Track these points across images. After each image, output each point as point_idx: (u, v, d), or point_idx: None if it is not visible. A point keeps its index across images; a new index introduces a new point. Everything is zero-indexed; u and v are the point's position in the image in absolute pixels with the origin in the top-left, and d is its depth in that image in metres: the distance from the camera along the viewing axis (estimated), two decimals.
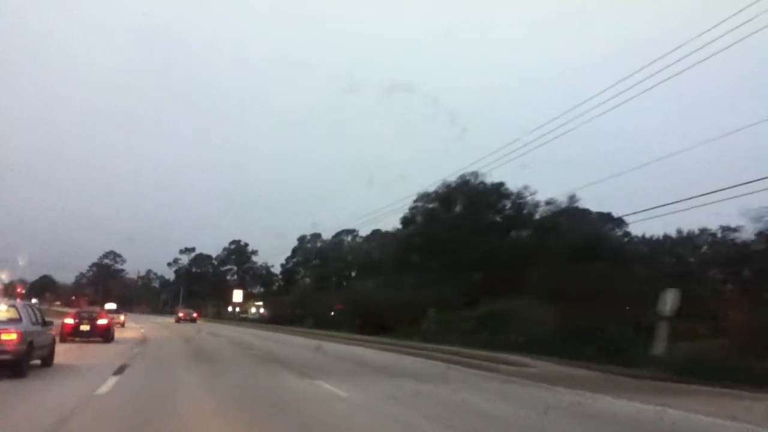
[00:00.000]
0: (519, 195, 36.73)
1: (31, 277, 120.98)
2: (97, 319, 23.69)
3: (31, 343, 11.46)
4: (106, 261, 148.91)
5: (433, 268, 34.48)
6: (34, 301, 56.71)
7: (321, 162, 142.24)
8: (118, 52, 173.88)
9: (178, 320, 62.02)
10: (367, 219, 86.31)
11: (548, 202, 36.58)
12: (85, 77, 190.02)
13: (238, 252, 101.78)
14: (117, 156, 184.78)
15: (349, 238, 79.88)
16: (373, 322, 39.69)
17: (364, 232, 71.52)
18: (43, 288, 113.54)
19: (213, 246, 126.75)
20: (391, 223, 51.25)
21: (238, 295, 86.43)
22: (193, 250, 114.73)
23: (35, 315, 12.94)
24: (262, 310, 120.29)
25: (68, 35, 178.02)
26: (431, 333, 29.72)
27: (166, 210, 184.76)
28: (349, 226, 74.41)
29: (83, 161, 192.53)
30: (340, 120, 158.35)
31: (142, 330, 36.07)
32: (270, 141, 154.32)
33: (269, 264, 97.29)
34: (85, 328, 23.07)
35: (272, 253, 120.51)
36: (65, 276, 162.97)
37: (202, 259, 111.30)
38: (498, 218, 37.18)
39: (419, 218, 40.63)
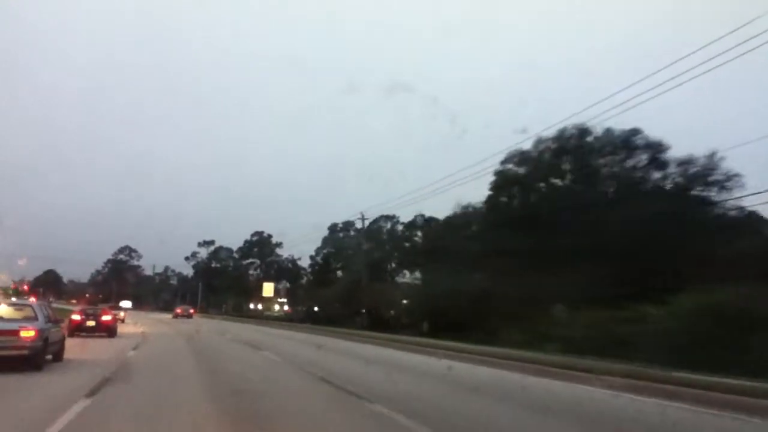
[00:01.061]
0: (658, 148, 27.04)
1: (36, 272, 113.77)
2: (102, 316, 25.51)
3: (46, 340, 12.37)
4: (121, 257, 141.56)
5: (546, 254, 25.04)
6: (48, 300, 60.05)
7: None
8: (121, 52, 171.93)
9: (176, 316, 66.46)
10: (401, 202, 76.57)
11: (685, 162, 26.95)
12: (94, 75, 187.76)
13: (261, 244, 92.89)
14: (131, 152, 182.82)
15: (389, 225, 70.92)
16: (451, 322, 30.52)
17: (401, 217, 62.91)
18: (49, 284, 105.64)
19: (233, 239, 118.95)
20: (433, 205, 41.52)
21: (269, 289, 76.28)
22: (212, 243, 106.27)
23: (49, 314, 13.99)
24: (286, 308, 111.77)
25: (70, 35, 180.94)
26: (574, 341, 20.20)
27: (184, 204, 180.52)
28: (382, 210, 64.98)
29: (97, 158, 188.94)
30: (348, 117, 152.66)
31: (142, 330, 34.18)
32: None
33: (295, 256, 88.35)
34: (90, 324, 24.70)
35: (294, 244, 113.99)
36: (79, 273, 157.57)
37: (221, 253, 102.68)
38: (660, 183, 27.29)
39: (513, 188, 31.08)
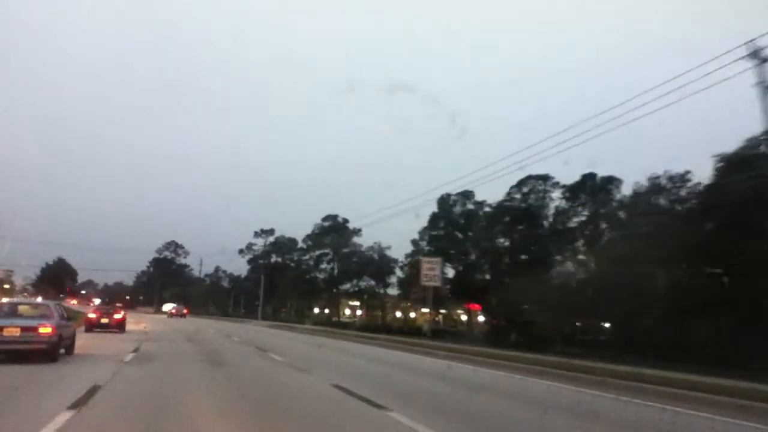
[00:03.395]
0: None
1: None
2: (114, 314, 29.97)
3: (60, 335, 13.37)
4: (167, 253, 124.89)
5: None
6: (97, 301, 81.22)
7: None
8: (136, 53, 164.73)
9: (171, 315, 70.69)
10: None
11: None
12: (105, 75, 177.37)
13: (335, 231, 72.75)
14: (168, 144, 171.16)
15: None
16: None
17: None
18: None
19: (298, 228, 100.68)
20: None
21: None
22: (271, 232, 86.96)
23: (62, 312, 15.17)
24: (358, 312, 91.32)
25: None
26: None
27: (237, 194, 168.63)
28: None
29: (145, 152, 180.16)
30: None
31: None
32: None
33: (383, 244, 67.50)
34: (104, 321, 28.99)
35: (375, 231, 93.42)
36: (123, 275, 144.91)
37: (283, 244, 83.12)
38: None
39: None
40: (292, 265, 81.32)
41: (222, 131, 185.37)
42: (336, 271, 71.71)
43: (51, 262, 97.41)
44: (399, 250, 68.83)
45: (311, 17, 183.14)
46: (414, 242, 53.89)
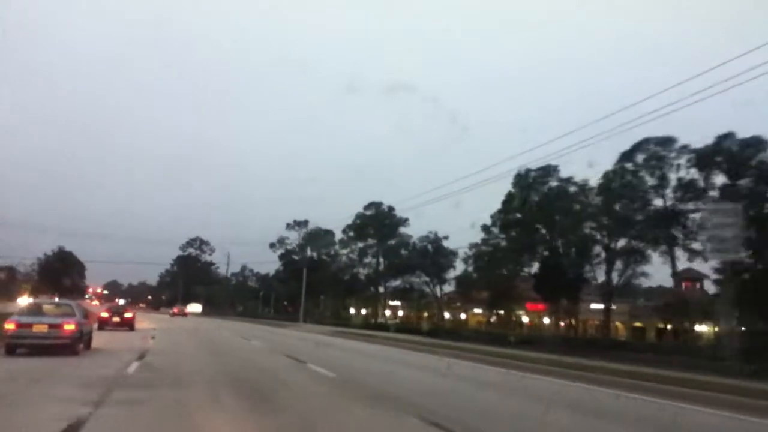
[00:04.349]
0: None
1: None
2: (124, 314, 32.02)
3: (81, 332, 15.22)
4: (191, 250, 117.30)
5: None
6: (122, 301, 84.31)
7: None
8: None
9: (173, 315, 73.50)
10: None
11: None
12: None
13: (379, 220, 63.54)
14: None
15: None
16: None
17: None
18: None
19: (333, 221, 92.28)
20: None
21: None
22: (304, 224, 78.15)
23: (83, 311, 16.80)
24: (400, 312, 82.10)
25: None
26: None
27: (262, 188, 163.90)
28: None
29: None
30: None
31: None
32: None
33: (439, 233, 57.99)
34: (116, 319, 30.78)
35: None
36: (146, 275, 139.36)
37: (320, 237, 74.22)
38: None
39: None
40: (328, 260, 72.40)
41: (253, 124, 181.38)
42: (382, 266, 62.34)
43: (58, 264, 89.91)
44: (457, 240, 59.91)
45: None
46: (484, 228, 44.29)
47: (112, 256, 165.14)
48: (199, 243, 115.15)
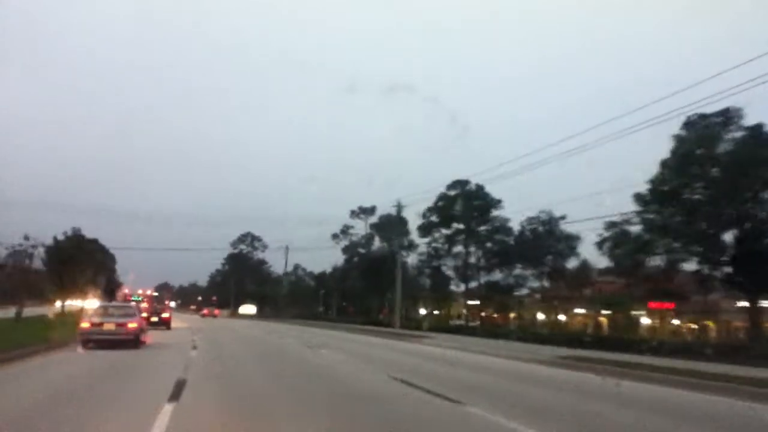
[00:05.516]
0: None
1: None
2: (162, 313, 36.09)
3: (141, 329, 18.77)
4: (242, 247, 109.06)
5: None
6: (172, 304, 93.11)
7: None
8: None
9: (203, 316, 77.89)
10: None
11: None
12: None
13: (467, 199, 52.41)
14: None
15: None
16: None
17: None
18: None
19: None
20: None
21: None
22: (372, 211, 67.79)
23: (140, 311, 22.00)
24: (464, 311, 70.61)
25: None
26: None
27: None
28: None
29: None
30: None
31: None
32: None
33: (557, 213, 46.27)
34: (154, 319, 34.07)
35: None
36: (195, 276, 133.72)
37: (390, 225, 63.56)
38: None
39: None
40: (405, 254, 61.67)
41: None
42: (478, 257, 51.09)
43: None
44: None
45: None
46: (638, 198, 32.36)
47: (161, 257, 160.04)
48: (250, 239, 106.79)
